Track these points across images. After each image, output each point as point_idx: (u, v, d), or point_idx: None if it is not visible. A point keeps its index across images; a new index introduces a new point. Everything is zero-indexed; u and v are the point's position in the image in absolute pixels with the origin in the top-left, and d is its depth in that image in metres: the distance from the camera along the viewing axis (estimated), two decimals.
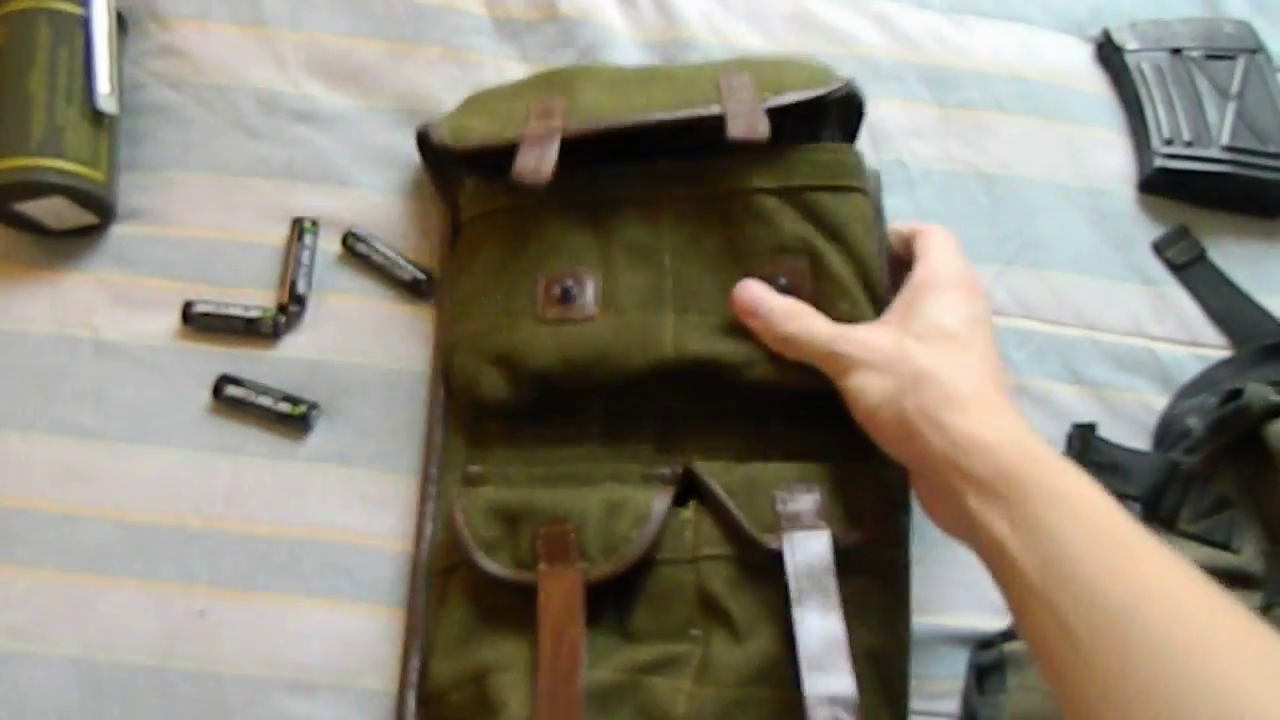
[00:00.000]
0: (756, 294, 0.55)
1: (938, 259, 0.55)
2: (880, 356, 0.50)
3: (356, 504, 0.59)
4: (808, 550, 0.50)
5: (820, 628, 0.48)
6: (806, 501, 0.52)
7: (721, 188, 0.58)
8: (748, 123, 0.56)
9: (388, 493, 0.59)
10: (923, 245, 0.56)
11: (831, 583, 0.49)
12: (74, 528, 0.58)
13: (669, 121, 0.58)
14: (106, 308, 0.63)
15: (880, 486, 0.54)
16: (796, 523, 0.51)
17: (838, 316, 0.55)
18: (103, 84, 0.64)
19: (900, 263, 0.58)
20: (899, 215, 0.68)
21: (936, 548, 0.58)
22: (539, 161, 0.55)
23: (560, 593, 0.51)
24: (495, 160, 0.59)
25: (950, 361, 0.49)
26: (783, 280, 0.56)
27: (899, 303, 0.54)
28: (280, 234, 0.65)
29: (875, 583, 0.52)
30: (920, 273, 0.54)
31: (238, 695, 0.55)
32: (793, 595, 0.49)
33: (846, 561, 0.50)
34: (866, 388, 0.50)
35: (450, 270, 0.62)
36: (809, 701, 0.46)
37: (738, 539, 0.52)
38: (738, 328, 0.56)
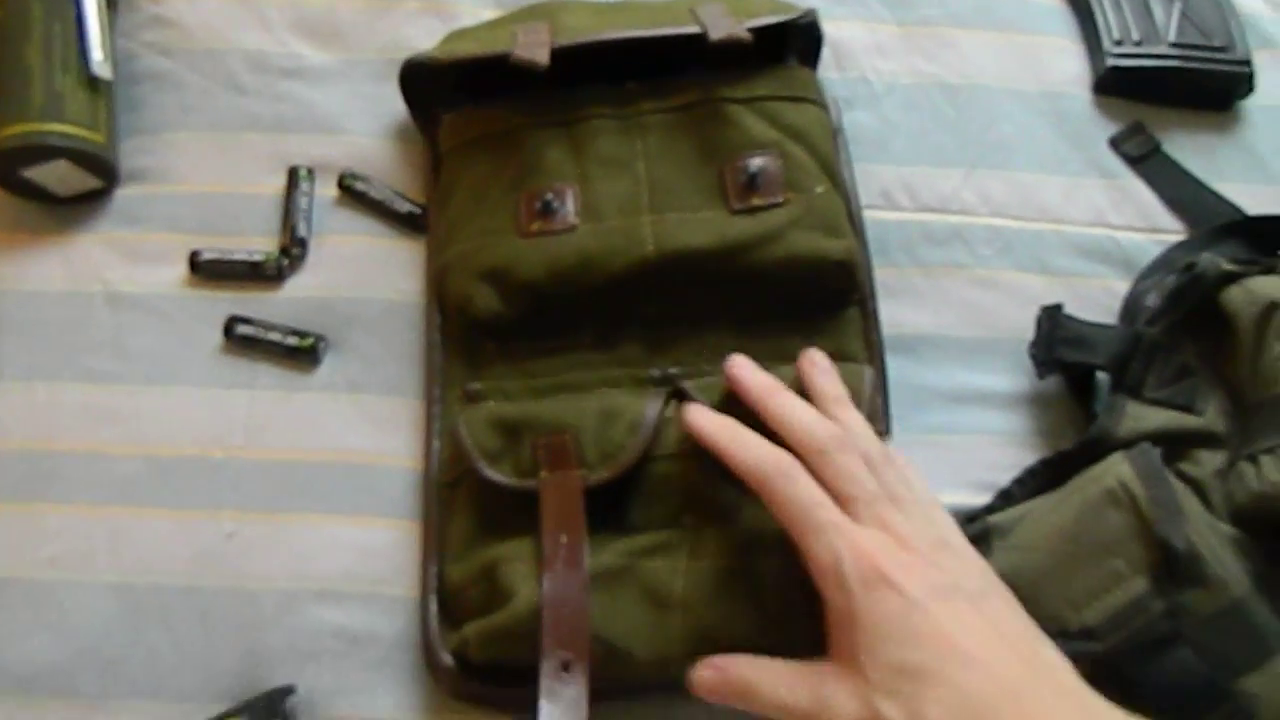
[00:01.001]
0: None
1: (822, 562, 0.45)
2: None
3: (368, 427, 0.62)
4: None
5: None
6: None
7: (689, 100, 0.61)
8: (728, 30, 0.60)
9: (396, 415, 0.62)
10: (789, 519, 0.48)
11: None
12: (103, 465, 0.61)
13: (652, 37, 0.61)
14: (117, 264, 0.66)
15: (862, 376, 0.56)
16: None
17: (814, 197, 0.58)
18: (96, 51, 0.67)
19: None
20: (866, 129, 0.71)
21: (917, 432, 0.62)
22: (534, 52, 0.59)
23: (561, 496, 0.53)
24: (475, 90, 0.62)
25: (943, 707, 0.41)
26: (756, 164, 0.60)
27: (835, 632, 0.46)
28: (278, 184, 0.68)
29: None
30: (826, 599, 0.46)
31: (271, 607, 0.57)
32: None
33: None
34: None
35: (435, 200, 0.66)
36: None
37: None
38: (715, 222, 0.59)
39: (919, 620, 0.43)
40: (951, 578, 0.45)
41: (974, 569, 0.47)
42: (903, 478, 0.49)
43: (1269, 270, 0.60)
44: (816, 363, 0.55)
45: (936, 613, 0.43)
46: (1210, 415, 0.59)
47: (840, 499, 0.47)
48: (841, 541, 0.45)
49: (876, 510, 0.47)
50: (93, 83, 0.66)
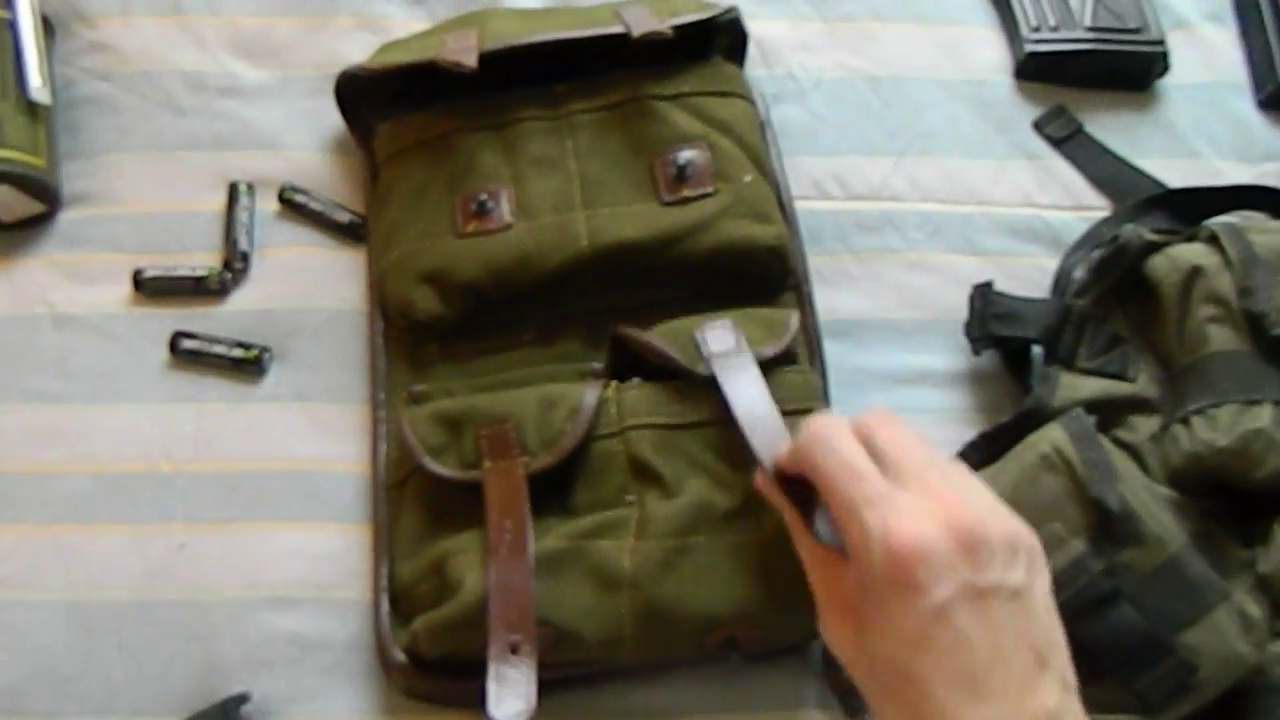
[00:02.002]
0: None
1: (858, 541, 0.41)
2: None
3: (315, 434, 0.63)
4: (735, 375, 0.53)
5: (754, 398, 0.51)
6: (724, 331, 0.56)
7: (617, 99, 0.63)
8: (651, 26, 0.61)
9: (343, 421, 0.63)
10: (827, 496, 0.43)
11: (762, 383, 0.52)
12: (52, 484, 0.61)
13: (576, 39, 0.62)
14: (61, 286, 0.66)
15: (782, 313, 0.59)
16: (721, 353, 0.55)
17: (743, 186, 0.60)
18: (34, 77, 0.67)
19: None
20: (795, 123, 0.73)
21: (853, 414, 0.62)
22: (462, 56, 0.60)
23: (505, 484, 0.54)
24: (409, 99, 0.63)
25: None
26: (685, 156, 0.61)
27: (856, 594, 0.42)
28: (219, 200, 0.69)
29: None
30: (855, 563, 0.41)
31: (223, 616, 0.58)
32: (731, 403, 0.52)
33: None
34: None
35: (373, 208, 0.67)
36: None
37: (661, 406, 0.55)
38: (648, 214, 0.60)
39: (933, 626, 0.39)
40: (997, 571, 0.40)
41: (1022, 550, 0.41)
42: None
43: (1191, 238, 0.62)
44: None
45: (957, 622, 0.39)
46: (1142, 381, 0.61)
47: (889, 465, 0.42)
48: (877, 526, 0.40)
49: (931, 478, 0.42)
50: (32, 108, 0.67)
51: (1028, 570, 0.41)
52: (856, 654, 0.41)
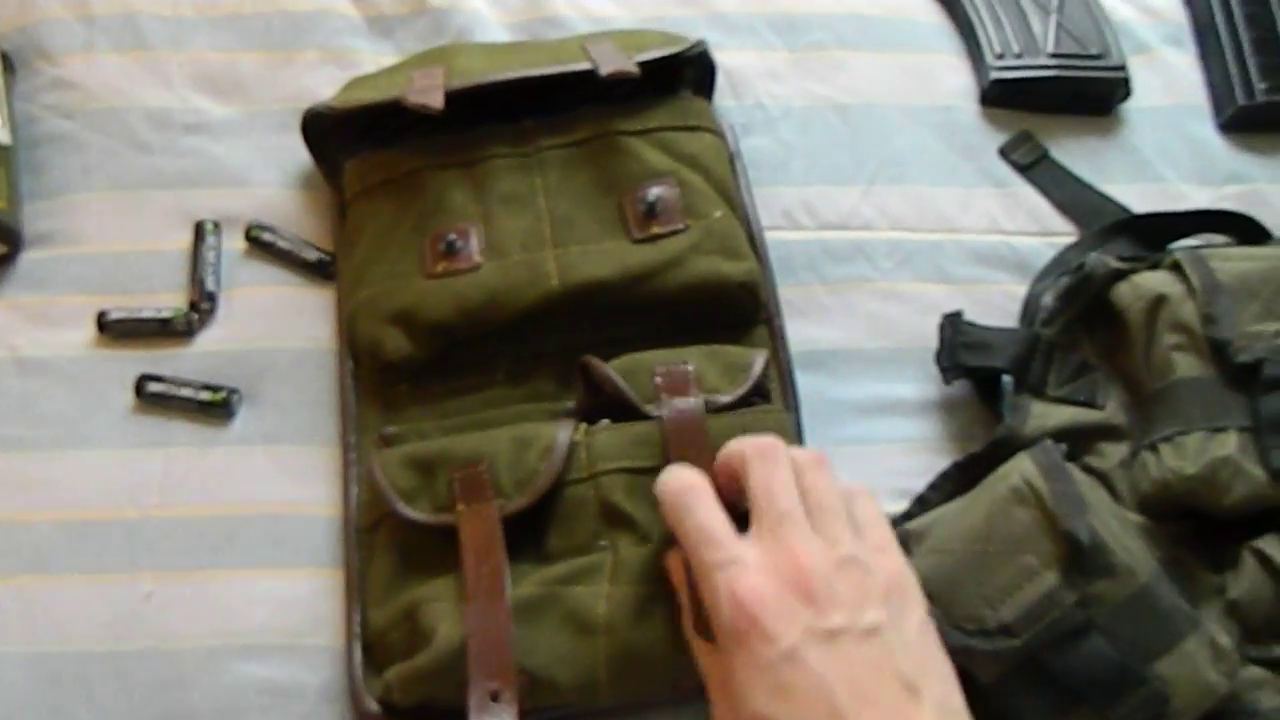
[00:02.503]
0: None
1: (711, 597, 0.44)
2: None
3: (285, 478, 0.62)
4: (680, 410, 0.54)
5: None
6: (680, 372, 0.56)
7: (586, 135, 0.63)
8: (617, 65, 0.61)
9: (313, 464, 0.62)
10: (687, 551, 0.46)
11: (704, 440, 0.52)
12: (14, 534, 0.60)
13: (543, 76, 0.63)
14: (24, 328, 0.66)
15: (748, 353, 0.59)
16: (672, 391, 0.55)
17: (713, 221, 0.61)
18: None
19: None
20: (764, 153, 0.73)
21: (830, 444, 0.63)
22: (428, 96, 0.60)
23: (480, 528, 0.53)
24: (376, 135, 0.63)
25: None
26: (654, 193, 0.61)
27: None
28: (185, 239, 0.68)
29: None
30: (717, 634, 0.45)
31: (192, 666, 0.57)
32: (671, 454, 0.53)
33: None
34: None
35: (342, 247, 0.66)
36: None
37: (631, 449, 0.55)
38: (617, 252, 0.60)
39: (789, 673, 0.41)
40: (844, 613, 0.43)
41: (877, 591, 0.44)
42: (829, 485, 0.48)
43: (1155, 265, 0.63)
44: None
45: (810, 663, 0.41)
46: (1111, 409, 0.61)
47: (754, 512, 0.46)
48: (724, 587, 0.43)
49: (783, 530, 0.45)
50: None
51: (888, 606, 0.44)
52: None
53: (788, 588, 0.43)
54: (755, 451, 0.48)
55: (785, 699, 0.41)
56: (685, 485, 0.48)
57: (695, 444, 0.53)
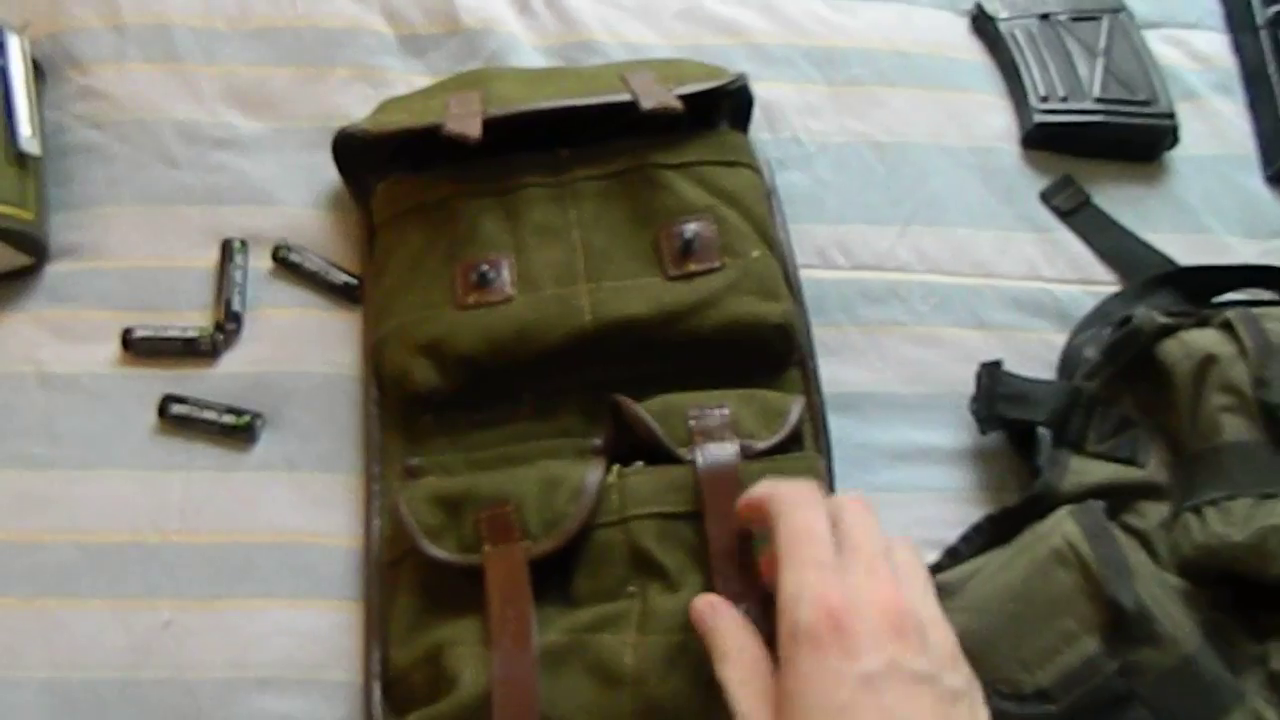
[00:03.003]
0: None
1: (786, 597, 0.42)
2: None
3: (306, 506, 0.61)
4: (715, 457, 0.53)
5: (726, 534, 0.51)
6: (715, 417, 0.55)
7: (622, 167, 0.62)
8: (659, 99, 0.60)
9: (335, 493, 0.61)
10: (780, 546, 0.44)
11: (738, 488, 0.51)
12: (36, 554, 0.59)
13: (583, 107, 0.61)
14: (49, 343, 0.65)
15: (786, 400, 0.57)
16: (707, 435, 0.54)
17: (750, 261, 0.59)
18: (24, 127, 0.66)
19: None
20: (799, 189, 0.72)
21: (863, 491, 0.61)
22: (467, 126, 0.59)
23: (506, 571, 0.52)
24: (408, 159, 0.62)
25: None
26: (691, 229, 0.60)
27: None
28: (211, 256, 0.67)
29: None
30: (779, 629, 0.42)
31: (209, 698, 0.56)
32: (704, 499, 0.52)
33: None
34: None
35: (370, 272, 0.65)
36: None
37: (663, 494, 0.54)
38: (652, 289, 0.59)
39: (858, 697, 0.39)
40: (931, 664, 0.41)
41: (960, 657, 0.43)
42: (871, 529, 0.46)
43: (1203, 322, 0.61)
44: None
45: (886, 697, 0.39)
46: (1152, 467, 0.60)
47: (844, 544, 0.44)
48: (816, 586, 0.41)
49: (878, 565, 0.43)
50: (21, 159, 0.65)
51: (970, 688, 0.42)
52: None
53: (883, 615, 0.40)
54: (847, 500, 0.46)
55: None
56: (800, 485, 0.47)
57: (729, 491, 0.52)
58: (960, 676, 0.42)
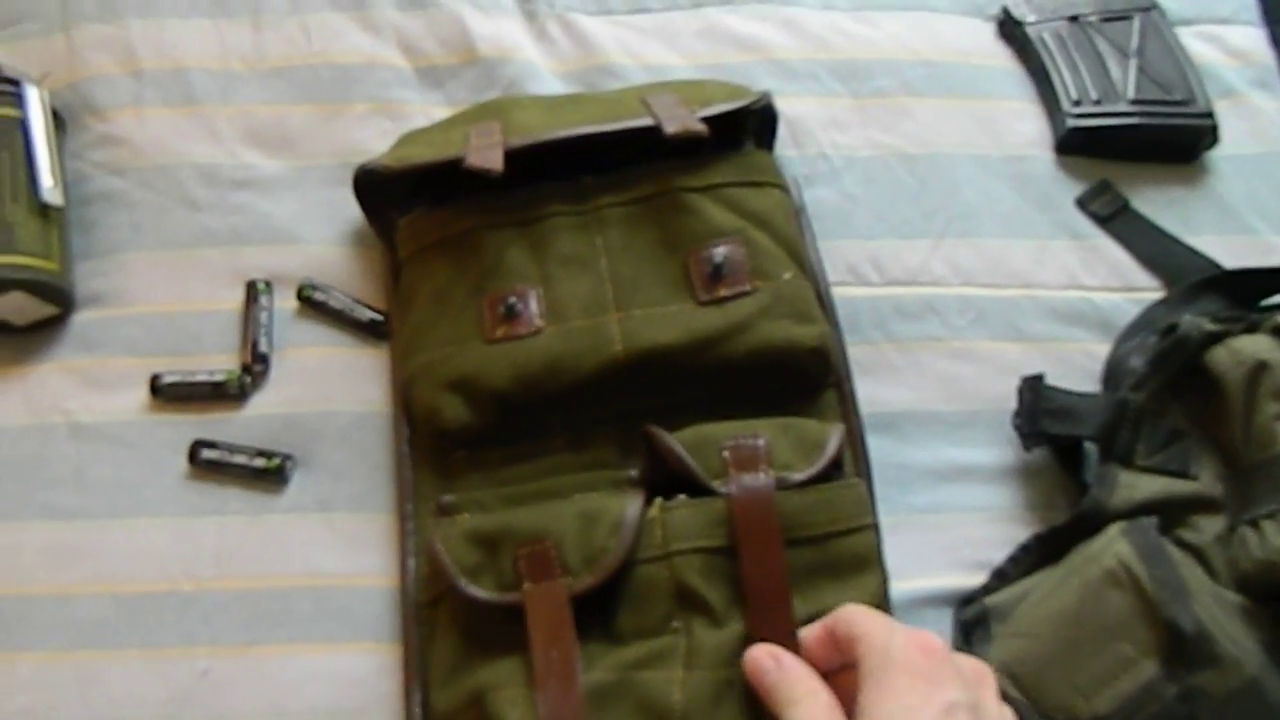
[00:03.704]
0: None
1: (878, 634, 0.44)
2: None
3: (340, 547, 0.60)
4: (749, 488, 0.52)
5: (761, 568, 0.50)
6: (750, 447, 0.53)
7: (647, 192, 0.60)
8: (683, 123, 0.59)
9: (369, 533, 0.61)
10: (850, 626, 0.46)
11: (772, 519, 0.50)
12: (71, 606, 0.59)
13: (605, 133, 0.61)
14: (77, 392, 0.65)
15: (824, 429, 0.56)
16: (741, 467, 0.53)
17: (782, 284, 0.58)
18: (46, 178, 0.66)
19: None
20: (828, 206, 0.70)
21: (903, 513, 0.60)
22: (488, 159, 0.58)
23: (548, 609, 0.52)
24: (431, 192, 0.61)
25: None
26: (721, 253, 0.59)
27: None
28: (236, 298, 0.67)
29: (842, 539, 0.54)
30: (866, 661, 0.44)
31: None
32: (738, 531, 0.51)
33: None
34: None
35: (397, 308, 0.65)
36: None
37: (707, 529, 0.53)
38: (683, 316, 0.58)
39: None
40: (994, 707, 0.44)
41: None
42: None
43: (1252, 327, 0.59)
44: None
45: None
46: (1205, 479, 0.58)
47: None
48: (903, 633, 0.44)
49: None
50: (44, 210, 0.65)
51: None
52: None
53: (958, 670, 0.43)
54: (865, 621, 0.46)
55: None
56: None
57: (764, 522, 0.51)
58: None
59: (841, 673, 0.46)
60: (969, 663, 0.45)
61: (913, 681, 0.42)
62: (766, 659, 0.47)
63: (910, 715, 0.41)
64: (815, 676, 0.46)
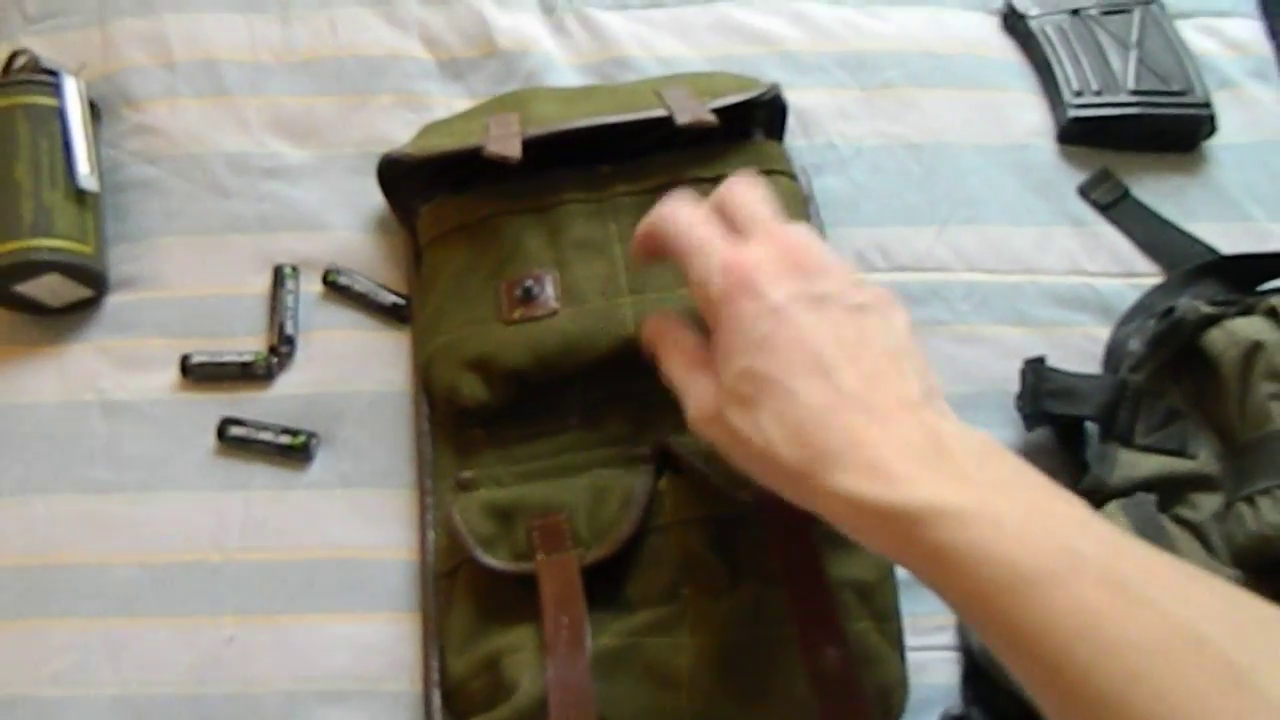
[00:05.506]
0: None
1: (696, 280, 0.46)
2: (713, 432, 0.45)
3: (362, 521, 0.62)
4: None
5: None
6: None
7: (661, 181, 0.62)
8: (694, 114, 0.61)
9: (390, 508, 0.63)
10: (677, 251, 0.48)
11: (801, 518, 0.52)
12: (102, 576, 0.61)
13: (620, 123, 0.62)
14: (110, 372, 0.67)
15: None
16: None
17: None
18: (82, 165, 0.68)
19: None
20: (836, 194, 0.72)
21: None
22: (507, 147, 0.60)
23: (559, 578, 0.54)
24: (451, 181, 0.63)
25: (768, 430, 0.41)
26: None
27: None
28: (264, 283, 0.69)
29: None
30: (704, 308, 0.47)
31: (273, 710, 0.57)
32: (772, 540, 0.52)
33: None
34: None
35: (417, 291, 0.67)
36: None
37: (714, 499, 0.54)
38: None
39: (773, 326, 0.42)
40: (834, 285, 0.44)
41: (865, 290, 0.45)
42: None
43: (1247, 310, 0.61)
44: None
45: (797, 319, 0.42)
46: (1203, 458, 0.60)
47: (736, 224, 0.48)
48: (715, 256, 0.45)
49: (769, 226, 0.46)
50: (80, 195, 0.68)
51: (875, 301, 0.44)
52: (718, 398, 0.44)
53: (780, 259, 0.44)
54: (728, 184, 0.50)
55: (770, 351, 0.42)
56: (676, 197, 0.50)
57: (792, 516, 0.52)
58: (866, 294, 0.44)
59: None
60: (813, 256, 0.45)
61: (735, 308, 0.43)
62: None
63: (743, 339, 0.43)
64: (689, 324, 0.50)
